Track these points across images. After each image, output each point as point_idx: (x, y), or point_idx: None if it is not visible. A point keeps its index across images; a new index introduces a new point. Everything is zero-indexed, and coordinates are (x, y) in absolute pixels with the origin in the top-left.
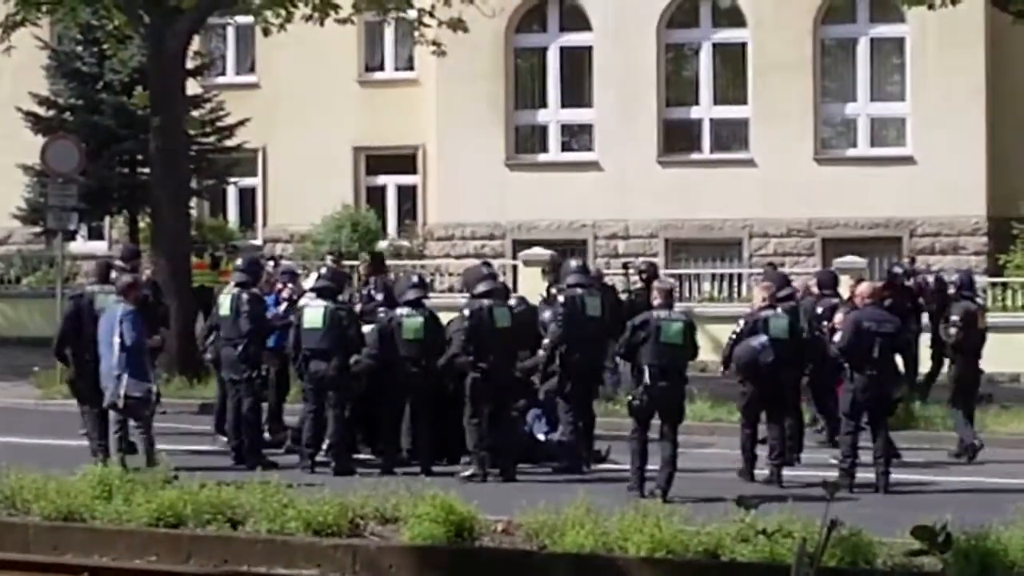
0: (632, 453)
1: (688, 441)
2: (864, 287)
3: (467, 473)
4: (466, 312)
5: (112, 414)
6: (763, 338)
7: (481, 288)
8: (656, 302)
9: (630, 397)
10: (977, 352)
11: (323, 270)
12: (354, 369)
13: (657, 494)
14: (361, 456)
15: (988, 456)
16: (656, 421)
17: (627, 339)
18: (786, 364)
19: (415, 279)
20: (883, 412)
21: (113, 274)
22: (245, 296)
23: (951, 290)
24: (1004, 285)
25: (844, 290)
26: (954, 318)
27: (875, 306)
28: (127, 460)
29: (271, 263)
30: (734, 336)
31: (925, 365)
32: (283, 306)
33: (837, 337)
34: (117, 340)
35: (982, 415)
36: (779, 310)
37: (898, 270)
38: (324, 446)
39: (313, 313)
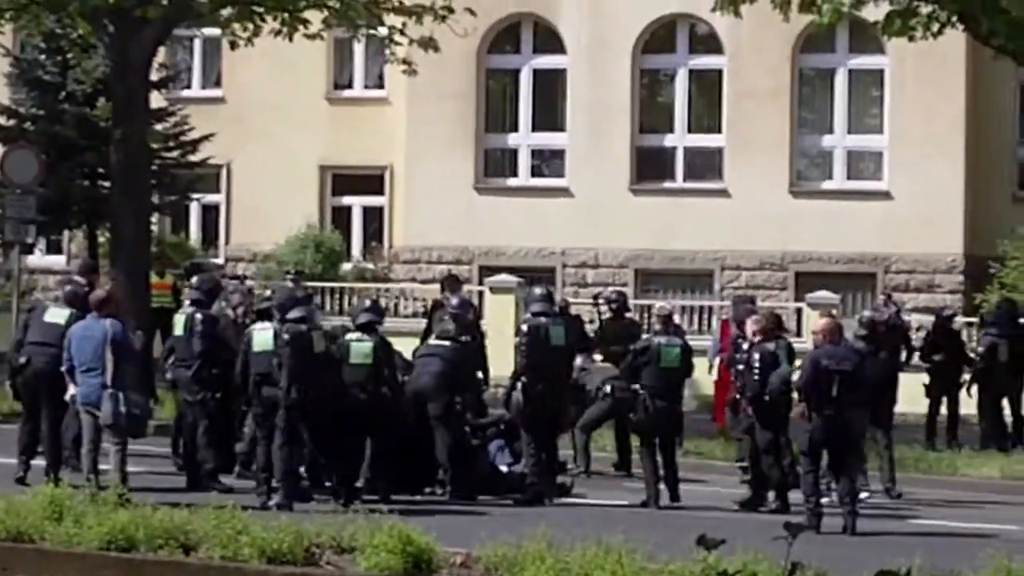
0: (645, 471)
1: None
2: (822, 323)
3: (275, 501)
4: (285, 336)
5: (87, 432)
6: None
7: (296, 313)
8: (656, 327)
9: (632, 418)
10: None
11: (268, 291)
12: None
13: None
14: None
15: (961, 498)
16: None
17: (629, 363)
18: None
19: (367, 303)
20: (844, 452)
21: (67, 287)
22: (199, 316)
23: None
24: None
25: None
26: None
27: (834, 344)
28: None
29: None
30: (757, 369)
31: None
32: None
33: (795, 376)
34: (111, 356)
35: (954, 458)
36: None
37: (949, 312)
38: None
39: (263, 336)
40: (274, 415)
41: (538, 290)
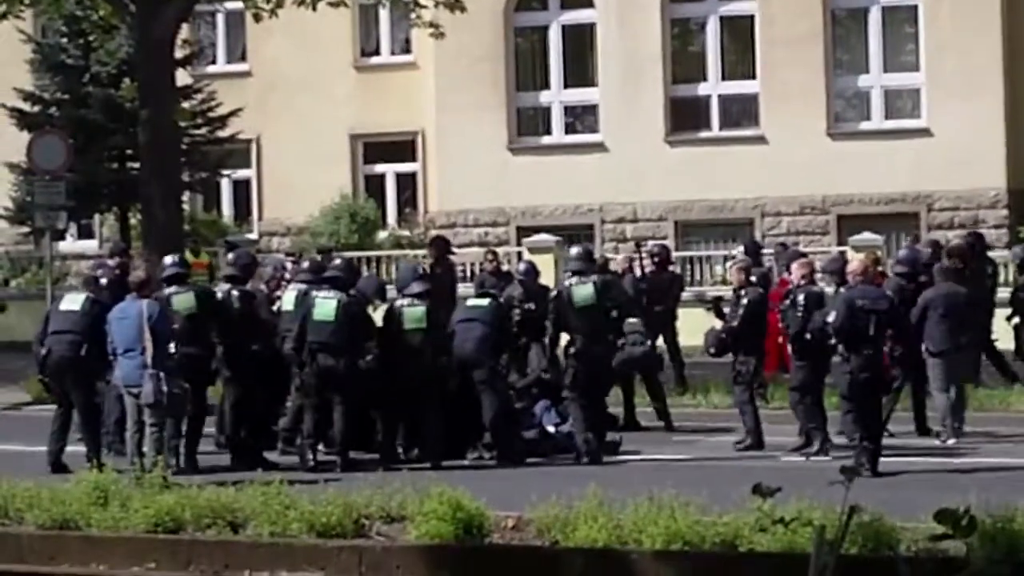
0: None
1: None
2: (855, 264)
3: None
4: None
5: (131, 414)
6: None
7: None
8: (741, 279)
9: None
10: None
11: (337, 260)
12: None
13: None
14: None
15: (1015, 433)
16: None
17: (751, 313)
18: None
19: (419, 271)
20: (881, 392)
21: (99, 271)
22: (235, 293)
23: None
24: None
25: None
26: None
27: (867, 283)
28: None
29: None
30: (802, 307)
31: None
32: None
33: (831, 317)
34: (149, 337)
35: (1005, 393)
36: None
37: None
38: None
39: (325, 305)
40: (327, 384)
41: (575, 249)
